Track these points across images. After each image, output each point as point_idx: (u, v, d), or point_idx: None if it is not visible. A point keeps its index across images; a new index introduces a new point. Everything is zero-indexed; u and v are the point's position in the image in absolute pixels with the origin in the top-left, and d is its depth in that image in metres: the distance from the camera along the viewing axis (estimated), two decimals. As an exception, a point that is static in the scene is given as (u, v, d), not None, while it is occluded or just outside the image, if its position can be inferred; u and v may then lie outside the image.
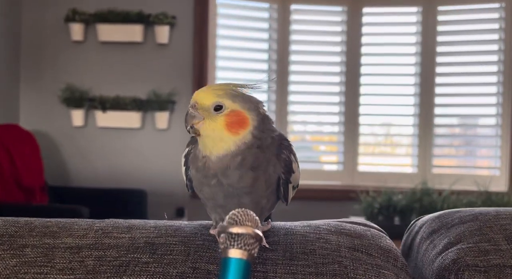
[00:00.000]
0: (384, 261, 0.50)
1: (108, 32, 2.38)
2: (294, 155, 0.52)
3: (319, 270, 0.47)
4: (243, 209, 0.37)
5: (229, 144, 0.47)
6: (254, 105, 0.49)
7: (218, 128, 0.47)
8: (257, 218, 0.37)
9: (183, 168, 0.53)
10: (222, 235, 0.36)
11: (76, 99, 2.38)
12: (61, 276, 0.45)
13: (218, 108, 0.47)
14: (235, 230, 0.35)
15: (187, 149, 0.53)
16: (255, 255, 0.36)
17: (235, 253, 0.35)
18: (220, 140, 0.47)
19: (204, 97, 0.48)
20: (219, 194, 0.49)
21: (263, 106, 0.51)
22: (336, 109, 2.59)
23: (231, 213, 0.37)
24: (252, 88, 0.50)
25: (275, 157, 0.49)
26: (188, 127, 0.49)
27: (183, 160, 0.53)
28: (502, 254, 0.48)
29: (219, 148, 0.47)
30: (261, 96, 0.52)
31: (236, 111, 0.48)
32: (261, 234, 0.36)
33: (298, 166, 0.53)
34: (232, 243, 0.35)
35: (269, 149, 0.49)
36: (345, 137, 2.55)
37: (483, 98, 2.58)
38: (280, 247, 0.50)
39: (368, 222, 0.58)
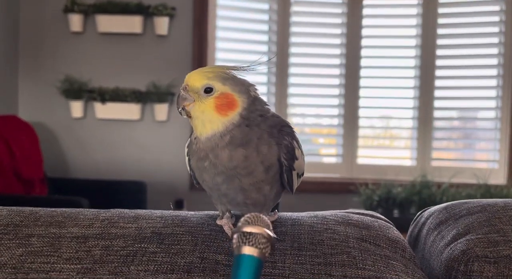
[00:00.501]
0: (392, 251, 0.50)
1: (107, 23, 2.35)
2: (297, 141, 0.52)
3: (328, 260, 0.47)
4: (257, 213, 0.39)
5: (218, 124, 0.48)
6: (245, 87, 0.49)
7: (207, 109, 0.48)
8: (269, 222, 0.39)
9: (186, 159, 0.53)
10: (235, 235, 0.38)
11: (75, 90, 2.37)
12: (68, 265, 0.45)
13: (208, 90, 0.48)
14: (248, 229, 0.37)
15: (189, 139, 0.52)
16: (267, 255, 0.37)
17: (247, 250, 0.37)
18: (208, 121, 0.48)
19: (194, 79, 0.48)
20: (217, 179, 0.48)
21: (255, 89, 0.51)
22: (335, 101, 2.58)
23: (245, 216, 0.39)
24: (245, 70, 0.50)
25: (267, 135, 0.49)
26: (179, 109, 0.49)
27: (186, 150, 0.53)
28: (512, 245, 0.48)
29: (207, 129, 0.48)
30: (260, 89, 0.51)
31: (226, 94, 0.48)
32: (273, 235, 0.38)
33: (302, 153, 0.53)
34: (245, 241, 0.37)
35: (260, 127, 0.49)
36: (345, 130, 2.54)
37: (482, 91, 2.58)
38: (288, 237, 0.50)
39: (375, 213, 0.58)
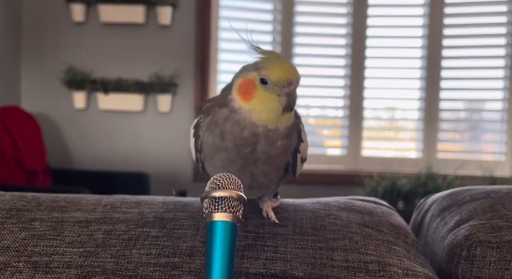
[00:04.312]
0: (394, 237, 0.50)
1: (110, 13, 2.35)
2: (303, 124, 0.53)
3: (330, 245, 0.47)
4: (225, 173, 0.36)
5: (290, 120, 0.50)
6: None
7: None
8: (239, 181, 0.36)
9: (192, 140, 0.51)
10: (205, 200, 0.35)
11: (78, 81, 2.37)
12: (70, 249, 0.45)
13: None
14: (218, 193, 0.34)
15: (196, 120, 0.52)
16: (240, 217, 0.35)
17: (219, 216, 0.34)
18: (284, 115, 0.50)
19: (298, 72, 0.52)
20: (237, 162, 0.48)
21: None
22: (340, 92, 2.57)
23: (212, 178, 0.36)
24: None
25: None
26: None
27: (192, 131, 0.52)
28: (515, 231, 0.47)
29: (281, 122, 0.49)
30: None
31: None
32: (244, 196, 0.35)
33: (306, 136, 0.53)
34: (216, 207, 0.34)
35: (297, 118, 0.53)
36: (349, 121, 2.53)
37: (489, 82, 2.55)
38: (290, 222, 0.50)
39: (378, 200, 0.58)
